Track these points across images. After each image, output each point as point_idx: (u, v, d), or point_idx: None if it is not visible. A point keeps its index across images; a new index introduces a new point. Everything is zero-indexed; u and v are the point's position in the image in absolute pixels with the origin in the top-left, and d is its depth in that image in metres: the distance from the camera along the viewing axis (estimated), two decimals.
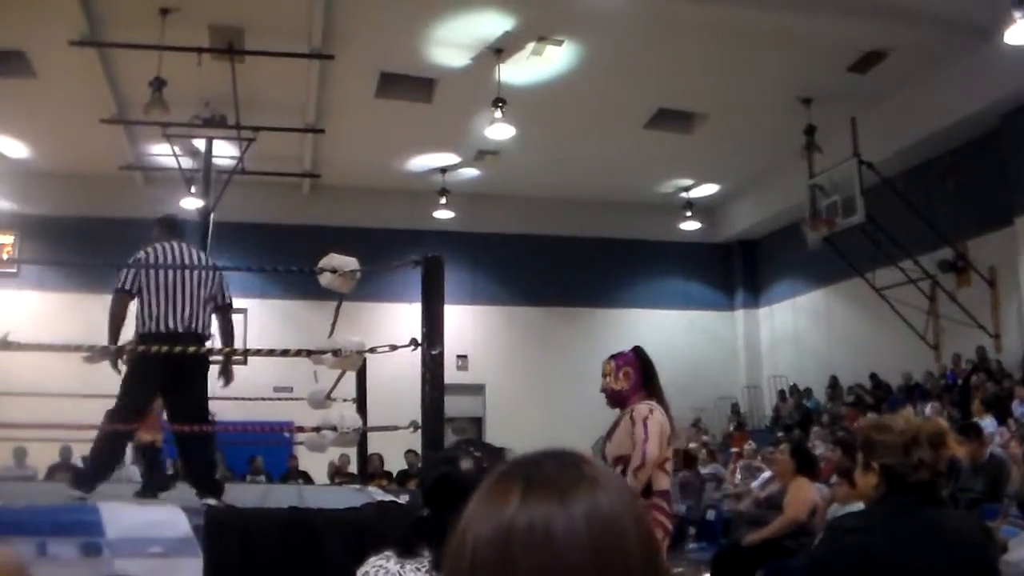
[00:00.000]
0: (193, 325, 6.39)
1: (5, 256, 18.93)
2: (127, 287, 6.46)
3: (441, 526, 2.47)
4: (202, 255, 6.82)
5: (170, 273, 6.41)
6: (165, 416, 6.88)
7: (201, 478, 6.45)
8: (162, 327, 6.30)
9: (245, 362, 9.04)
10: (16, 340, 6.05)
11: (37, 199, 18.78)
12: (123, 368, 6.63)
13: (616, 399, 5.55)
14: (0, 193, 18.44)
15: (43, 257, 18.19)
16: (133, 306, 6.48)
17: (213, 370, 6.79)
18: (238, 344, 7.16)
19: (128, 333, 6.55)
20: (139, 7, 13.00)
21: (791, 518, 7.65)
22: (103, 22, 13.52)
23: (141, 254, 6.53)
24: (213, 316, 6.68)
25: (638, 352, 5.69)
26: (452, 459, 2.60)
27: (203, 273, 6.55)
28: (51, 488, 8.88)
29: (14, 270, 19.04)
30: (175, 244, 6.63)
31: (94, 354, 6.70)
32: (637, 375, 5.55)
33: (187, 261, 6.56)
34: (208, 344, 6.68)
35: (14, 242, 19.07)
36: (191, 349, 6.18)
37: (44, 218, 18.70)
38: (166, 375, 6.30)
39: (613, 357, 5.79)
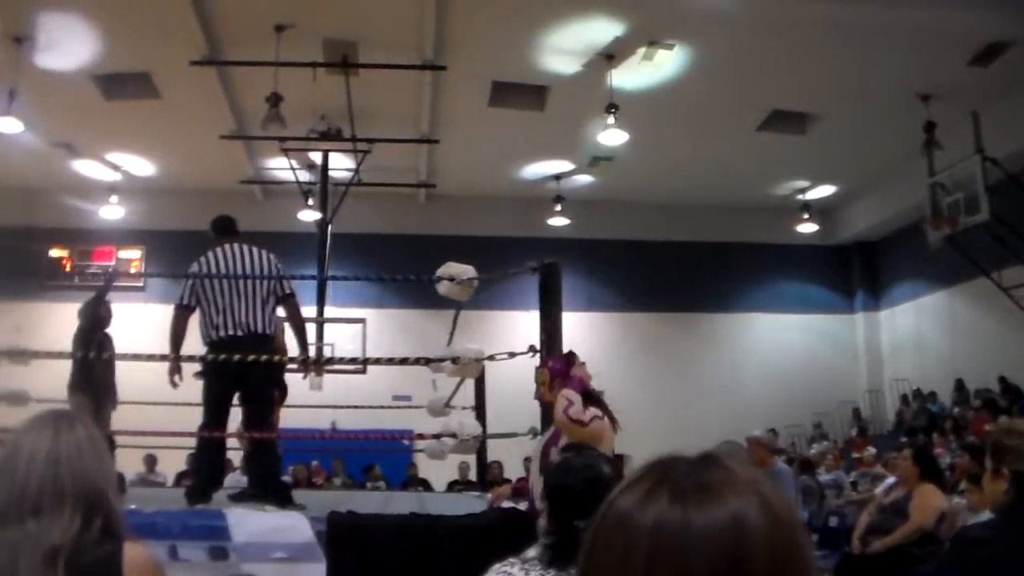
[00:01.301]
0: (254, 326, 6.42)
1: (132, 271, 19.45)
2: (185, 302, 6.55)
3: (571, 536, 2.49)
4: (256, 251, 6.77)
5: (224, 279, 6.47)
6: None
7: (267, 484, 6.49)
8: (223, 333, 6.34)
9: (364, 371, 9.14)
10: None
11: (162, 215, 19.28)
12: (179, 381, 6.73)
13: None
14: (128, 210, 18.95)
15: (168, 271, 18.63)
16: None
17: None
18: (356, 353, 7.27)
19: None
20: (255, 25, 13.27)
21: (917, 525, 7.45)
22: (221, 41, 13.86)
23: (195, 265, 6.60)
24: (278, 309, 6.71)
25: (571, 360, 5.54)
26: (582, 467, 2.61)
27: (258, 271, 6.56)
28: (180, 494, 9.10)
29: (141, 284, 19.54)
30: (227, 247, 6.66)
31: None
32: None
33: (240, 261, 6.57)
34: (273, 339, 6.70)
35: (141, 257, 19.59)
36: (250, 358, 6.21)
37: (169, 233, 19.15)
38: (234, 382, 6.36)
39: (545, 366, 5.67)
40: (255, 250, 6.76)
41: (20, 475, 2.23)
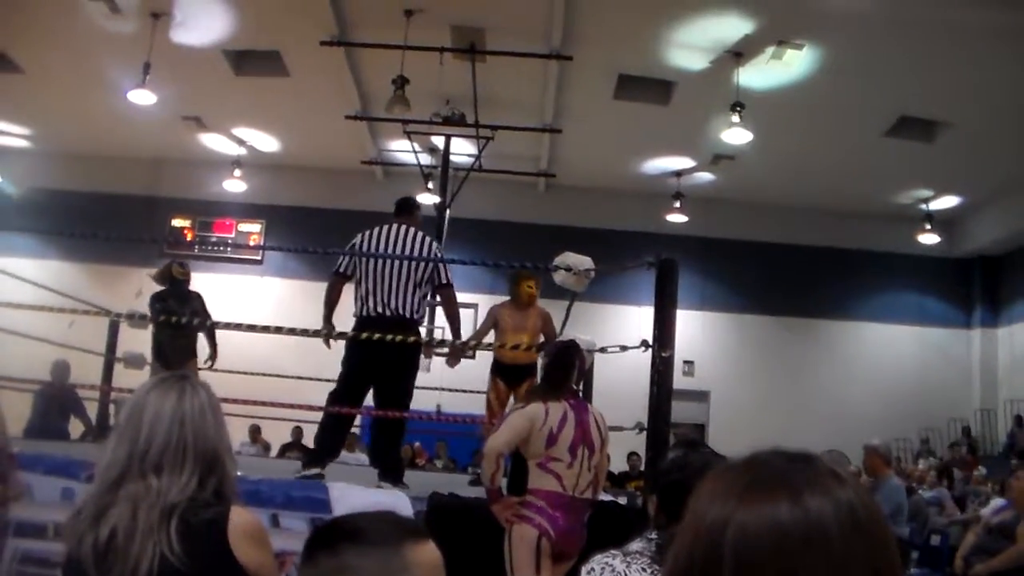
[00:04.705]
0: (400, 309, 6.46)
1: (252, 243, 19.83)
2: (341, 270, 6.65)
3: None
4: (421, 236, 6.79)
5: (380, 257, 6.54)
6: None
7: (387, 462, 6.54)
8: (370, 311, 6.42)
9: (473, 356, 9.18)
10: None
11: (283, 191, 19.66)
12: (330, 345, 6.84)
13: None
14: (250, 184, 19.32)
15: (285, 245, 18.94)
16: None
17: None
18: (464, 335, 7.25)
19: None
20: (385, 8, 13.43)
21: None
22: (351, 23, 14.05)
23: (358, 237, 6.67)
24: (429, 297, 6.76)
25: (555, 352, 5.49)
26: (701, 466, 2.56)
27: (414, 255, 6.61)
28: (283, 465, 9.24)
29: (259, 257, 19.93)
30: (394, 227, 6.72)
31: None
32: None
33: (402, 243, 6.62)
34: (421, 327, 6.77)
35: (261, 231, 19.97)
36: (399, 338, 6.27)
37: (289, 208, 19.55)
38: (374, 360, 6.41)
39: None
40: (420, 235, 6.80)
41: (145, 433, 2.34)
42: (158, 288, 9.40)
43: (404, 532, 1.62)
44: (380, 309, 6.44)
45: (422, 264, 6.61)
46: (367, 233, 6.71)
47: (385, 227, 6.72)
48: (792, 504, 1.01)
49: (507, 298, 8.00)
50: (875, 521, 1.04)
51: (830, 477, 1.05)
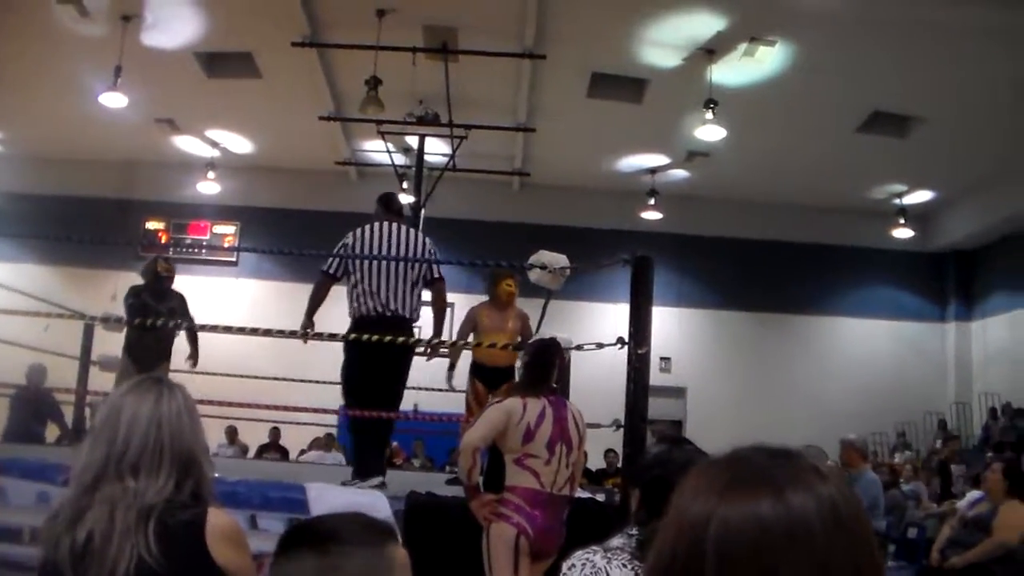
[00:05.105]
0: (402, 309, 6.46)
1: (226, 245, 19.78)
2: (332, 271, 6.62)
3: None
4: (414, 234, 6.81)
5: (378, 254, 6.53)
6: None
7: (371, 460, 6.52)
8: (371, 311, 6.40)
9: (453, 362, 9.22)
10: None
11: (258, 192, 19.62)
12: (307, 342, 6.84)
13: None
14: (224, 186, 19.26)
15: (260, 246, 18.90)
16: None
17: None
18: (444, 336, 7.26)
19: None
20: (357, 9, 13.41)
21: (999, 542, 7.26)
22: (323, 24, 14.01)
23: (350, 236, 6.65)
24: (424, 293, 6.75)
25: (535, 350, 5.51)
26: (683, 462, 2.57)
27: (412, 254, 6.61)
28: (261, 465, 9.22)
29: (234, 259, 19.88)
30: (386, 225, 6.72)
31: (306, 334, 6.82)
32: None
33: (398, 241, 6.62)
34: (416, 325, 6.77)
35: (236, 232, 19.91)
36: (399, 340, 6.27)
37: (264, 210, 19.50)
38: (379, 360, 6.41)
39: None
40: (412, 232, 6.82)
41: (122, 435, 2.36)
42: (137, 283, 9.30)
43: (383, 533, 1.66)
44: (380, 309, 6.44)
45: (419, 264, 6.62)
46: (361, 233, 6.67)
47: (380, 226, 6.70)
48: (774, 500, 1.01)
49: (484, 298, 8.00)
50: (857, 518, 1.04)
51: (812, 473, 1.06)
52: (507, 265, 7.66)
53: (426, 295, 6.86)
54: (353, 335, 6.33)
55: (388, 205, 7.02)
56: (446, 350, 7.78)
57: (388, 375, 6.49)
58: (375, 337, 6.22)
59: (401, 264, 6.51)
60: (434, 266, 6.77)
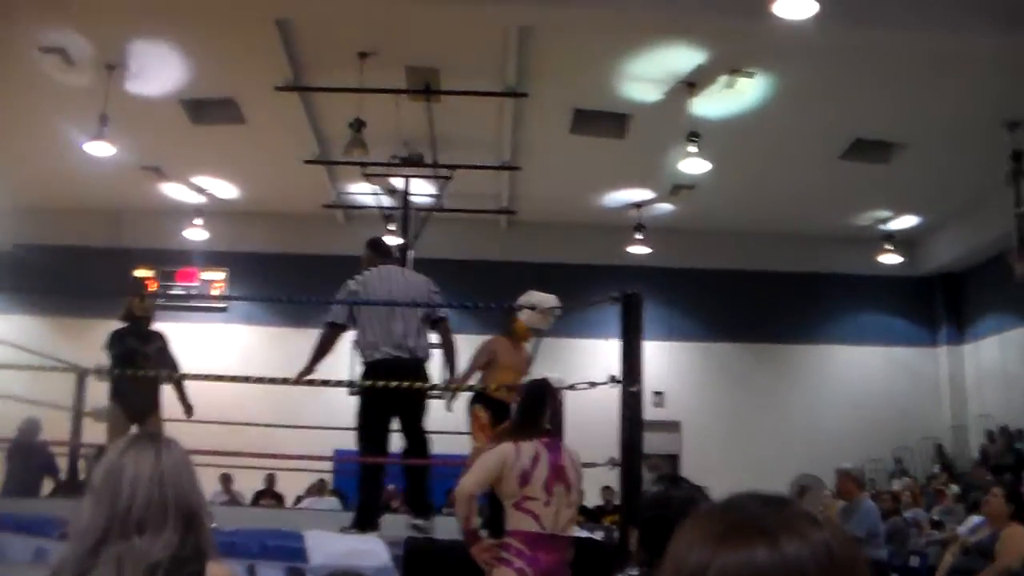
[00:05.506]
0: (415, 351, 6.48)
1: (216, 292, 19.76)
2: (341, 321, 6.60)
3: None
4: (413, 275, 6.89)
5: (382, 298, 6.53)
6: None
7: (420, 500, 6.55)
8: (380, 355, 6.40)
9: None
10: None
11: (245, 237, 19.63)
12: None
13: None
14: (212, 232, 19.28)
15: (250, 293, 18.90)
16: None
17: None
18: (434, 380, 7.27)
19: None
20: (339, 52, 13.46)
21: (1002, 568, 7.24)
22: (305, 68, 14.05)
23: (352, 284, 6.65)
24: (430, 333, 6.77)
25: (526, 391, 5.46)
26: (683, 501, 2.58)
27: (414, 295, 6.62)
28: (258, 513, 9.18)
29: (224, 306, 19.87)
30: (384, 268, 6.74)
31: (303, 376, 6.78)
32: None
33: (398, 283, 6.64)
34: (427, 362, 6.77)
35: (224, 279, 19.89)
36: (415, 385, 6.27)
37: (252, 255, 19.50)
38: (398, 404, 6.41)
39: None
40: (412, 273, 6.83)
41: (125, 494, 2.36)
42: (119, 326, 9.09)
43: None
44: (396, 352, 6.43)
45: (422, 301, 6.65)
46: (365, 279, 6.69)
47: (380, 271, 6.72)
48: (770, 548, 1.02)
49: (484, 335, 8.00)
50: (852, 559, 1.05)
51: (805, 520, 1.07)
52: (497, 307, 7.67)
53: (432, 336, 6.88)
54: (394, 383, 6.30)
55: (378, 249, 7.04)
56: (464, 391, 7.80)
57: (413, 416, 6.51)
58: (416, 384, 6.26)
59: (406, 307, 6.52)
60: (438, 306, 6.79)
